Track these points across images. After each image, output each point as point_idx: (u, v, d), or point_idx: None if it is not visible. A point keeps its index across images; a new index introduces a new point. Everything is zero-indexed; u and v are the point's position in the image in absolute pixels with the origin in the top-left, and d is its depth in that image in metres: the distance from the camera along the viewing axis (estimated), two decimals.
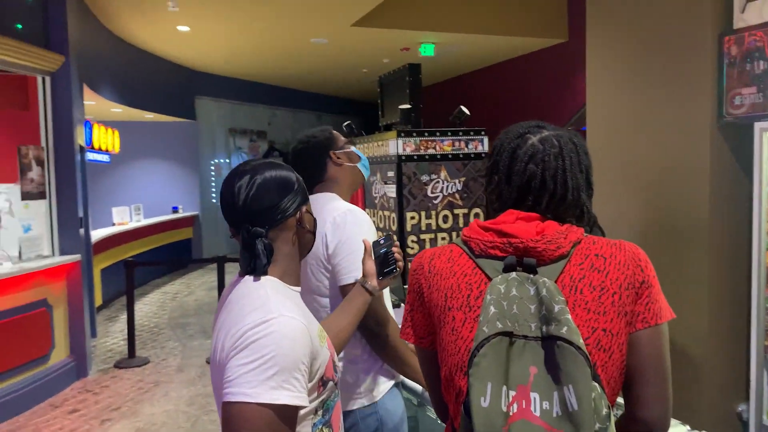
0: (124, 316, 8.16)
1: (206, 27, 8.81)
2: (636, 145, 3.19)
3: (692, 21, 2.92)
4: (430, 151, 4.14)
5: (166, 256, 11.40)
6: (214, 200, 13.31)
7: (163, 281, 11.05)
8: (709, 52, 2.85)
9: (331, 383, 1.45)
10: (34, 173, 5.67)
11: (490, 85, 11.86)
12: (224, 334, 1.35)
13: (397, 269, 1.92)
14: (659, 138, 3.06)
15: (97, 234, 8.64)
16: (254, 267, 1.42)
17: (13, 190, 5.61)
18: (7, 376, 5.13)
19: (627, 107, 3.25)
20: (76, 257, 5.80)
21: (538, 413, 1.08)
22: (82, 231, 6.12)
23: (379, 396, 2.08)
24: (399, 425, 2.09)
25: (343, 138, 2.31)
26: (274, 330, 1.28)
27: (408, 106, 4.36)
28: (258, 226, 1.42)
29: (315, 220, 1.58)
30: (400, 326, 1.64)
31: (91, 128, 8.79)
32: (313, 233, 1.57)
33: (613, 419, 1.13)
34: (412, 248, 4.07)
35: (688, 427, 2.01)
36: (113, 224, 9.94)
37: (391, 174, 4.16)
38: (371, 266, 1.92)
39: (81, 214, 6.07)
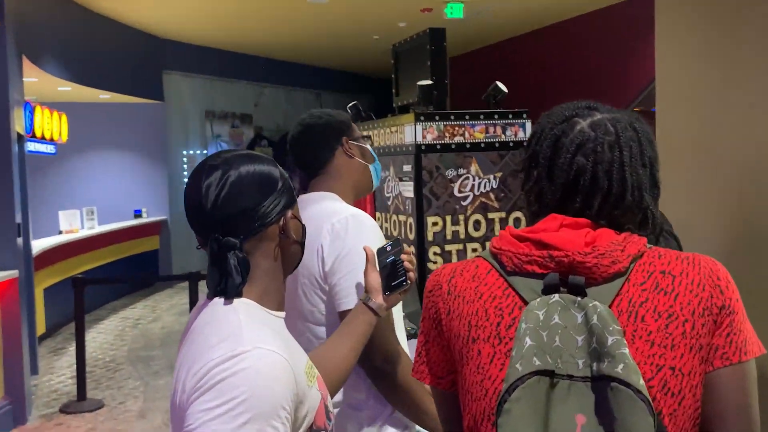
0: (72, 348, 8.20)
1: None
2: (719, 133, 3.17)
3: None
4: (458, 139, 4.15)
5: (126, 272, 11.45)
6: None
7: (123, 304, 11.10)
8: None
9: None
10: None
11: (534, 56, 11.83)
12: (185, 371, 1.35)
13: (408, 282, 1.92)
14: (748, 125, 3.03)
15: (39, 244, 8.69)
16: (225, 287, 1.41)
17: None
18: None
19: (708, 84, 3.22)
20: (13, 274, 5.84)
21: None
22: (20, 241, 6.16)
23: None
24: None
25: (360, 132, 2.35)
26: (246, 366, 1.28)
27: (429, 81, 4.36)
28: (231, 236, 1.42)
29: (303, 227, 1.58)
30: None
31: (32, 112, 8.86)
32: (301, 244, 1.57)
33: None
34: (435, 263, 4.08)
35: None
36: (60, 232, 10.01)
37: (407, 168, 4.16)
38: (375, 279, 1.92)
39: (18, 219, 6.12)
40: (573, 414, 1.12)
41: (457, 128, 4.15)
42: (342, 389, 1.98)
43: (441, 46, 4.51)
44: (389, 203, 4.50)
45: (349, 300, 1.98)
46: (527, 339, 1.16)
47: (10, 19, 6.17)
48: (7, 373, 5.91)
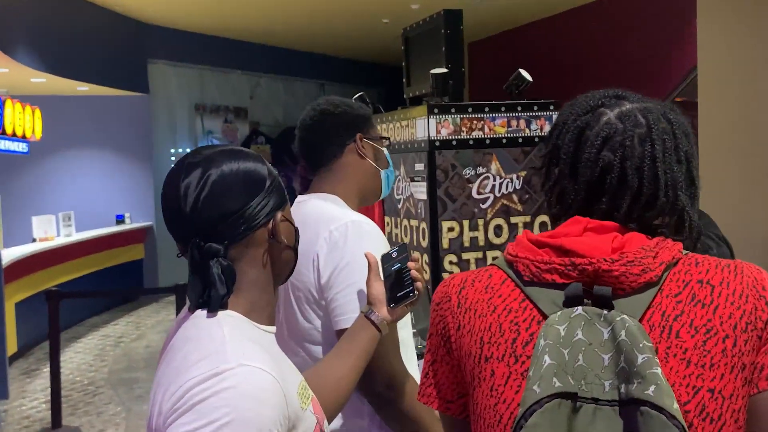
0: (47, 370, 8.23)
1: None
2: None
3: None
4: (476, 134, 4.14)
5: (106, 284, 11.48)
6: None
7: (103, 320, 11.13)
8: None
9: None
10: None
11: (562, 40, 11.81)
12: (162, 392, 1.35)
13: (415, 293, 1.91)
14: None
15: (10, 254, 8.73)
16: (208, 298, 1.42)
17: None
18: None
19: (758, 71, 3.21)
20: None
21: None
22: None
23: None
24: None
25: (379, 132, 2.36)
26: (229, 386, 1.28)
27: (444, 70, 4.35)
28: (214, 242, 1.42)
29: (296, 230, 1.59)
30: None
31: (2, 106, 8.90)
32: (294, 249, 1.57)
33: None
34: (451, 273, 4.06)
35: None
36: (33, 240, 10.05)
37: (420, 167, 4.16)
38: (379, 289, 1.92)
39: None
40: None
41: (475, 122, 4.14)
42: (341, 413, 1.97)
43: (457, 30, 4.51)
44: (399, 206, 4.49)
45: (347, 318, 1.98)
46: (546, 357, 1.16)
47: None
48: None
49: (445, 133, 4.10)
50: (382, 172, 2.33)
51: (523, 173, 4.19)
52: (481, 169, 4.12)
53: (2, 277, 7.38)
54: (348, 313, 1.98)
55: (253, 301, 1.48)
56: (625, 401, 1.12)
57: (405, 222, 4.42)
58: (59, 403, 6.34)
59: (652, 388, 1.10)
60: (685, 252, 1.28)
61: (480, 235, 4.12)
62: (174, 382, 1.32)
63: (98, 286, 11.15)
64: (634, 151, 1.30)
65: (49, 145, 12.05)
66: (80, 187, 12.80)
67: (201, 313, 1.43)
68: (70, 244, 10.43)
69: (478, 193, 4.12)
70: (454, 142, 4.10)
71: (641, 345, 1.14)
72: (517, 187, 4.17)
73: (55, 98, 12.21)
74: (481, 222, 4.12)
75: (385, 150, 2.35)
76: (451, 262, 4.07)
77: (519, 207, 4.18)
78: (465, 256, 4.09)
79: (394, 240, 4.54)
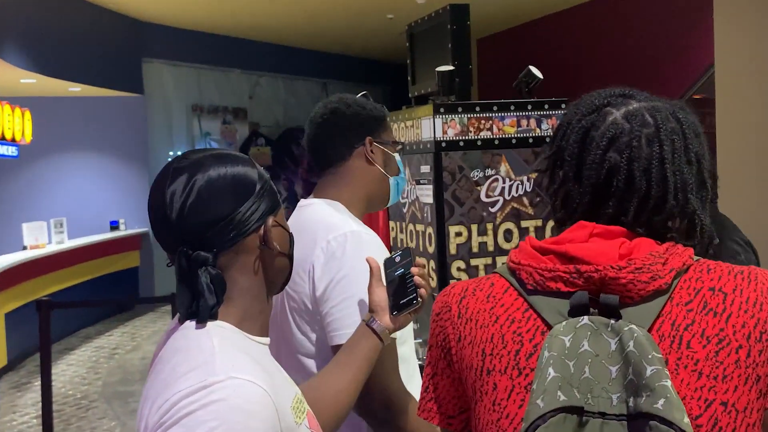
0: (38, 383, 8.24)
1: None
2: None
3: None
4: (484, 135, 4.14)
5: (100, 293, 11.49)
6: None
7: (97, 330, 11.15)
8: None
9: None
10: None
11: (574, 36, 11.80)
12: (149, 406, 1.35)
13: (419, 300, 1.90)
14: None
15: (0, 262, 8.75)
16: (197, 308, 1.42)
17: None
18: None
19: None
20: None
21: None
22: None
23: None
24: None
25: (393, 135, 2.34)
26: (218, 399, 1.27)
27: (450, 67, 4.35)
28: (202, 249, 1.42)
29: (291, 236, 1.58)
30: None
31: None
32: (288, 256, 1.57)
33: None
34: (460, 279, 4.06)
35: None
36: (24, 248, 10.07)
37: (425, 169, 4.16)
38: (381, 296, 1.91)
39: None
40: None
41: (483, 121, 4.14)
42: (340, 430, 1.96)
43: (464, 26, 4.51)
44: (405, 211, 4.49)
45: (342, 333, 1.97)
46: (550, 370, 1.15)
47: None
48: None
49: (451, 133, 4.09)
50: (391, 179, 2.31)
51: (533, 175, 4.18)
52: (489, 171, 4.11)
53: None
54: (343, 328, 1.97)
55: (245, 310, 1.48)
56: (634, 415, 1.12)
57: (410, 227, 4.42)
58: (51, 418, 6.33)
59: (661, 401, 1.10)
60: (696, 258, 1.28)
61: (489, 240, 4.11)
62: (161, 395, 1.32)
63: (92, 296, 11.17)
64: (641, 152, 1.29)
65: (40, 149, 12.08)
66: (72, 193, 12.82)
67: (190, 324, 1.43)
68: (63, 251, 10.46)
69: (487, 196, 4.11)
70: (461, 143, 4.09)
71: (650, 356, 1.13)
72: (528, 190, 4.16)
73: (45, 99, 12.24)
74: (490, 226, 4.11)
75: (397, 156, 2.33)
76: (459, 269, 4.06)
77: (530, 210, 4.17)
78: (473, 262, 4.08)
79: (399, 246, 4.53)
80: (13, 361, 9.06)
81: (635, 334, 1.15)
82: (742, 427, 1.18)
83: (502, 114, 4.17)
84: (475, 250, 4.09)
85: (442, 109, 4.08)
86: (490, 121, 4.15)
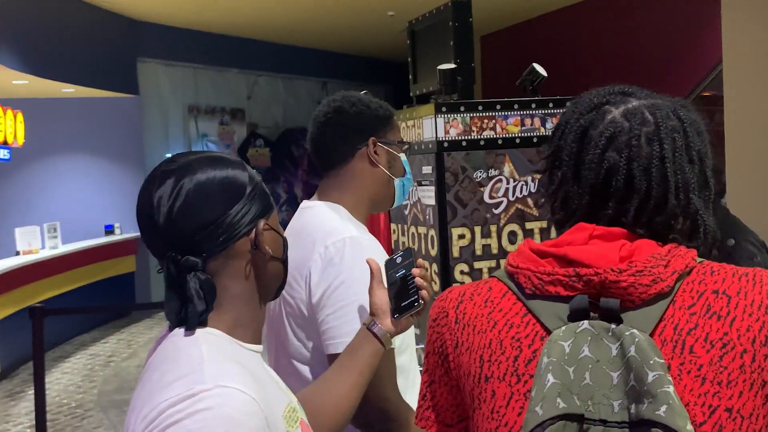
0: (32, 392, 8.24)
1: None
2: None
3: None
4: (487, 134, 4.13)
5: (96, 299, 11.50)
6: None
7: (92, 338, 11.15)
8: None
9: None
10: None
11: (580, 34, 11.80)
12: (136, 414, 1.35)
13: (421, 302, 1.90)
14: None
15: None
16: (186, 315, 1.41)
17: None
18: None
19: None
20: None
21: None
22: None
23: None
24: None
25: (400, 135, 2.33)
26: (204, 407, 1.27)
27: (452, 65, 4.35)
28: (191, 254, 1.42)
29: (284, 239, 1.58)
30: None
31: None
32: (282, 260, 1.57)
33: None
34: (463, 283, 4.05)
35: None
36: (17, 253, 10.08)
37: (427, 170, 4.16)
38: (382, 298, 1.90)
39: None
40: None
41: (486, 120, 4.14)
42: None
43: (466, 22, 4.50)
44: (406, 213, 4.49)
45: (338, 343, 1.97)
46: (549, 376, 1.15)
47: None
48: None
49: (454, 133, 4.09)
50: (396, 181, 2.30)
51: (538, 175, 4.17)
52: (493, 172, 4.11)
53: None
54: (340, 337, 1.96)
55: (237, 317, 1.48)
56: (636, 422, 1.11)
57: (412, 229, 4.42)
58: (45, 428, 6.33)
59: (663, 408, 1.09)
60: (699, 260, 1.28)
61: (493, 242, 4.11)
62: (147, 404, 1.33)
63: (86, 302, 11.17)
64: (641, 151, 1.29)
65: (33, 152, 12.09)
66: (66, 196, 12.82)
67: (179, 332, 1.43)
68: (56, 256, 10.46)
69: (491, 197, 4.11)
70: (463, 143, 4.09)
71: (652, 362, 1.13)
72: (532, 191, 4.16)
73: (38, 101, 12.25)
74: (494, 228, 4.11)
75: (402, 156, 2.32)
76: (462, 272, 4.06)
77: (534, 212, 4.16)
78: (477, 265, 4.08)
79: (401, 249, 4.53)
80: (7, 370, 9.06)
81: (637, 339, 1.15)
82: None
83: (506, 113, 4.17)
84: (478, 252, 4.08)
85: (444, 109, 4.08)
86: (494, 121, 4.15)
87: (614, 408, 1.13)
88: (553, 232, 3.95)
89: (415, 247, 4.35)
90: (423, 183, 4.21)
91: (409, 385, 2.11)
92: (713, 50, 9.18)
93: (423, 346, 3.19)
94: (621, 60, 10.85)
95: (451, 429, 1.39)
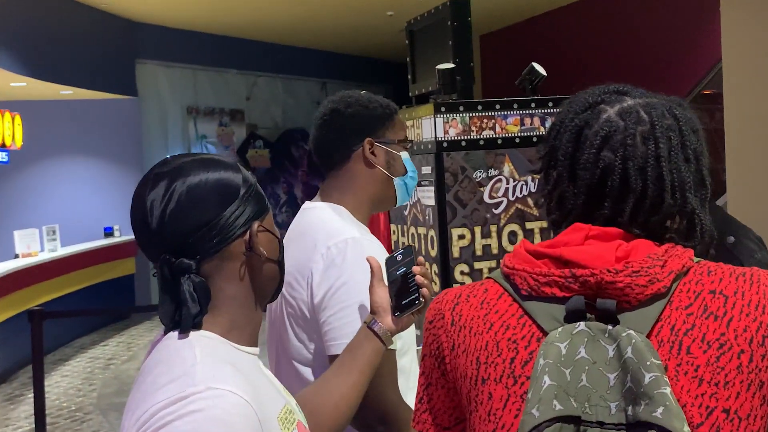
0: (31, 395, 8.24)
1: None
2: None
3: None
4: (487, 134, 4.14)
5: (95, 302, 11.48)
6: None
7: (92, 340, 11.14)
8: None
9: None
10: None
11: (580, 33, 11.80)
12: (129, 417, 1.36)
13: (421, 300, 1.89)
14: None
15: None
16: (180, 318, 1.41)
17: None
18: None
19: None
20: None
21: None
22: None
23: None
24: None
25: (404, 132, 2.31)
26: (196, 409, 1.28)
27: (451, 65, 4.35)
28: (185, 257, 1.42)
29: (279, 241, 1.58)
30: None
31: None
32: (278, 262, 1.57)
33: None
34: (464, 283, 4.05)
35: None
36: (16, 256, 10.07)
37: (427, 170, 4.16)
38: (383, 296, 1.90)
39: None
40: None
41: (485, 120, 4.14)
42: None
43: (465, 22, 4.51)
44: (406, 213, 4.49)
45: (339, 344, 1.96)
46: (546, 378, 1.15)
47: None
48: None
49: (453, 133, 4.09)
50: (397, 180, 2.28)
51: (539, 175, 4.17)
52: (492, 172, 4.11)
53: None
54: (341, 338, 1.96)
55: (233, 319, 1.48)
56: (632, 424, 1.11)
57: (412, 230, 4.42)
58: (44, 431, 6.34)
59: (660, 409, 1.09)
60: (696, 259, 1.27)
61: (493, 242, 4.11)
62: (140, 407, 1.33)
63: (86, 305, 11.15)
64: (636, 151, 1.29)
65: (31, 154, 12.08)
66: (65, 199, 12.82)
67: (174, 335, 1.43)
68: (56, 259, 10.45)
69: (491, 197, 4.11)
70: (463, 143, 4.09)
71: (648, 363, 1.13)
72: (532, 190, 4.16)
73: (36, 103, 12.25)
74: (494, 228, 4.11)
75: (403, 154, 2.29)
76: (462, 273, 4.06)
77: (534, 211, 4.17)
78: (477, 265, 4.08)
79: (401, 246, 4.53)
80: (6, 373, 9.06)
81: (633, 340, 1.15)
82: None
83: (505, 112, 4.17)
84: (478, 253, 4.08)
85: (443, 109, 4.08)
86: (493, 120, 4.15)
87: (611, 410, 1.13)
88: (554, 233, 3.94)
89: (416, 247, 4.35)
90: (422, 183, 4.21)
91: (411, 387, 2.11)
92: (713, 48, 9.19)
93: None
94: (621, 59, 10.85)
95: (449, 431, 1.39)
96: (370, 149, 2.22)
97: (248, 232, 1.48)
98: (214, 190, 1.45)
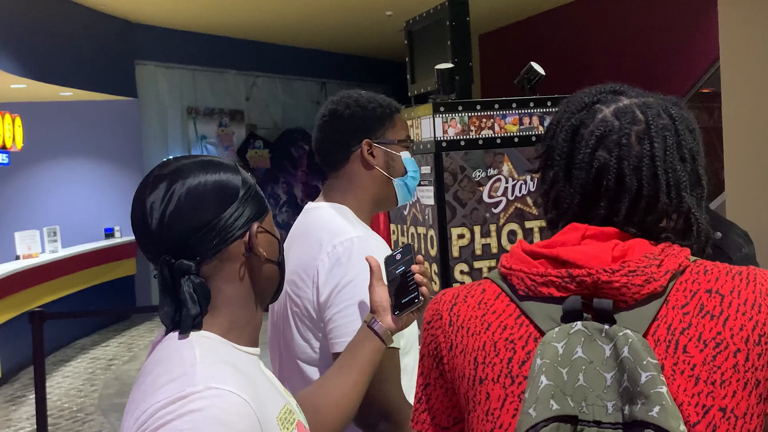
0: (32, 396, 8.24)
1: None
2: None
3: None
4: (486, 133, 4.14)
5: (96, 303, 11.48)
6: None
7: (93, 341, 11.14)
8: None
9: None
10: None
11: (579, 32, 11.80)
12: (129, 417, 1.36)
13: (421, 298, 1.89)
14: None
15: None
16: (180, 319, 1.42)
17: None
18: None
19: None
20: None
21: None
22: None
23: None
24: None
25: (405, 131, 2.30)
26: (194, 409, 1.28)
27: (450, 65, 4.35)
28: (185, 258, 1.43)
29: (279, 242, 1.58)
30: None
31: None
32: (278, 263, 1.57)
33: None
34: (463, 283, 4.05)
35: None
36: (17, 257, 10.06)
37: (426, 170, 4.16)
38: (383, 295, 1.90)
39: None
40: None
41: (484, 120, 4.14)
42: None
43: (463, 21, 4.51)
44: (406, 213, 4.49)
45: (344, 341, 1.96)
46: (543, 378, 1.15)
47: None
48: None
49: (452, 132, 4.09)
50: (396, 180, 2.28)
51: (538, 175, 4.17)
52: (492, 171, 4.11)
53: None
54: (346, 335, 1.96)
55: (232, 320, 1.48)
56: (629, 423, 1.11)
57: (412, 229, 4.42)
58: None
59: (656, 408, 1.09)
60: (693, 258, 1.27)
61: (493, 241, 4.11)
62: (140, 407, 1.33)
63: (87, 305, 11.15)
64: (631, 150, 1.29)
65: (32, 156, 12.08)
66: (66, 200, 12.82)
67: (174, 335, 1.43)
68: (56, 260, 10.45)
69: (490, 196, 4.11)
70: (462, 143, 4.09)
71: (645, 362, 1.13)
72: (532, 189, 4.16)
73: (36, 105, 12.24)
74: (493, 228, 4.11)
75: (403, 154, 2.28)
76: (462, 272, 4.06)
77: (534, 210, 4.17)
78: (477, 264, 4.08)
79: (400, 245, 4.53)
80: (7, 374, 9.05)
81: (630, 340, 1.15)
82: None
83: (504, 112, 4.17)
84: (478, 252, 4.08)
85: (442, 108, 4.08)
86: (492, 120, 4.15)
87: (608, 409, 1.13)
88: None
89: (415, 247, 4.35)
90: (422, 183, 4.21)
91: (413, 386, 2.11)
92: (711, 47, 9.19)
93: None
94: (619, 58, 10.85)
95: (448, 431, 1.39)
96: (368, 150, 2.22)
97: (248, 233, 1.49)
98: (214, 192, 1.46)
